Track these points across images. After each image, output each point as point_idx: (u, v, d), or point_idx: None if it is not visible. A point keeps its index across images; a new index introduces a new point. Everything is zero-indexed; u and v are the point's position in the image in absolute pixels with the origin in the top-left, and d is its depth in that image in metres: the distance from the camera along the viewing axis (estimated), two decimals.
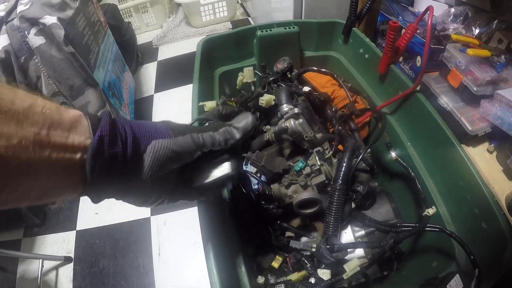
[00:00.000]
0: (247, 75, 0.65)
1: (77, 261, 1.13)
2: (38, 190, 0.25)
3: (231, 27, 2.10)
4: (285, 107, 0.57)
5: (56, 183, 0.27)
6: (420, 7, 1.01)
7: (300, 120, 0.56)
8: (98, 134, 0.27)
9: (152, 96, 1.71)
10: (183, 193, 0.39)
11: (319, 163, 0.59)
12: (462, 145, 0.59)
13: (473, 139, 0.72)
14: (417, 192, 0.61)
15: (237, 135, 0.37)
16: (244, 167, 0.63)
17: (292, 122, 0.56)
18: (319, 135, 0.62)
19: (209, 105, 0.58)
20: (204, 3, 1.99)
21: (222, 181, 0.39)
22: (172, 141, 0.32)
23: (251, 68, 0.69)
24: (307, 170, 0.58)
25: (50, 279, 1.10)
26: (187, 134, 0.34)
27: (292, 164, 0.62)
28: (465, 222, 0.57)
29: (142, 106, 1.65)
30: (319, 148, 0.60)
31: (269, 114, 0.63)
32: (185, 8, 2.09)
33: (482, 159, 0.70)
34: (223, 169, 0.39)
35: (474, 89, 0.69)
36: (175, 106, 1.63)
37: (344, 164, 0.56)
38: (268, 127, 0.60)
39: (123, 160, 0.29)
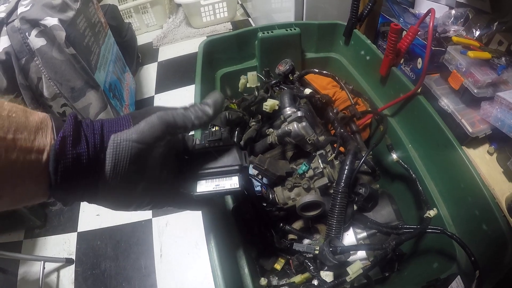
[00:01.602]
0: (251, 80, 0.65)
1: (79, 262, 1.13)
2: (6, 196, 0.25)
3: (232, 27, 2.11)
4: (288, 111, 0.58)
5: (25, 188, 0.26)
6: (420, 8, 1.01)
7: (303, 124, 0.56)
8: (60, 134, 0.26)
9: (152, 97, 1.71)
10: (176, 199, 0.37)
11: (322, 166, 0.59)
12: (463, 147, 0.60)
13: (474, 141, 0.72)
14: (418, 193, 0.61)
15: (210, 111, 0.34)
16: None
17: (295, 125, 0.56)
18: (321, 138, 0.62)
19: None
20: (204, 3, 1.99)
21: (226, 193, 0.37)
22: (131, 131, 0.29)
23: (255, 73, 0.69)
24: (310, 173, 0.58)
25: (52, 281, 1.10)
26: (152, 114, 0.31)
27: (295, 167, 0.62)
28: (466, 224, 0.57)
29: (143, 107, 1.63)
30: (322, 151, 0.60)
31: (271, 117, 0.64)
32: (185, 9, 2.09)
33: (483, 161, 0.70)
34: (233, 182, 0.36)
35: (475, 91, 0.70)
36: None
37: (347, 167, 0.56)
38: (271, 130, 0.60)
39: (87, 159, 0.27)
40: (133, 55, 1.84)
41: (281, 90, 0.67)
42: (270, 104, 0.59)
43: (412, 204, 0.69)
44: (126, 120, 0.30)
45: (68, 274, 1.11)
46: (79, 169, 0.27)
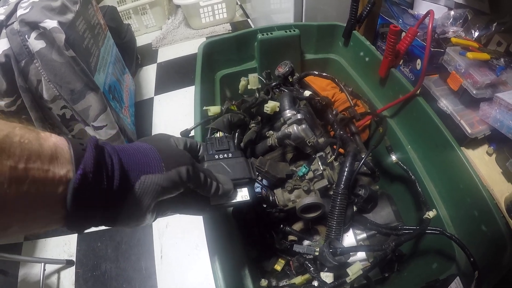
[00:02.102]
0: (252, 81, 0.66)
1: (79, 264, 1.13)
2: (15, 226, 0.23)
3: (231, 28, 2.11)
4: (288, 113, 0.58)
5: (36, 218, 0.24)
6: (419, 9, 1.01)
7: (303, 126, 0.57)
8: (80, 170, 0.25)
9: (152, 99, 1.71)
10: (192, 208, 0.38)
11: (321, 168, 0.59)
12: (462, 147, 0.60)
13: (473, 142, 0.73)
14: (418, 194, 0.62)
15: (227, 197, 0.38)
16: None
17: (295, 128, 0.57)
18: (321, 140, 0.63)
19: (213, 110, 0.58)
20: (203, 5, 1.99)
21: (237, 205, 0.39)
22: (163, 178, 0.30)
23: (256, 75, 0.70)
24: (310, 174, 0.59)
25: (52, 283, 1.10)
26: (184, 167, 0.32)
27: (295, 169, 0.62)
28: (465, 225, 0.57)
29: (142, 108, 1.65)
30: (322, 153, 0.60)
31: (272, 119, 0.64)
32: (184, 10, 2.09)
33: (482, 162, 0.70)
34: (243, 194, 0.38)
35: (474, 92, 0.70)
36: (175, 109, 1.64)
37: (346, 169, 0.57)
38: (271, 132, 0.61)
39: (108, 195, 0.27)
40: (133, 56, 1.84)
41: (281, 92, 0.68)
42: (271, 106, 0.60)
43: (411, 205, 0.69)
44: (157, 161, 0.30)
45: (68, 276, 1.11)
46: (100, 205, 0.27)
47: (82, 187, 0.25)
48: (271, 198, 0.60)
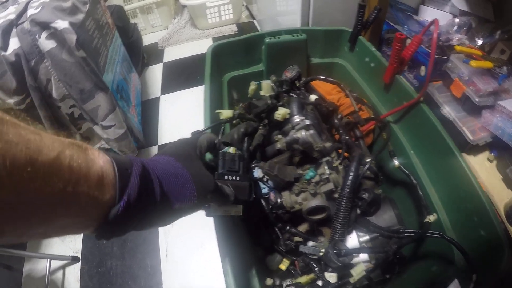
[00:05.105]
0: (265, 89, 0.68)
1: (84, 260, 1.15)
2: (49, 234, 0.25)
3: (237, 29, 2.12)
4: (297, 118, 0.60)
5: (69, 230, 0.26)
6: (424, 16, 1.03)
7: (311, 131, 0.58)
8: (124, 202, 0.26)
9: (158, 98, 1.72)
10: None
11: (328, 172, 0.61)
12: (463, 154, 0.62)
13: (474, 148, 0.74)
14: (419, 198, 0.64)
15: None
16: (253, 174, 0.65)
17: (303, 133, 0.58)
18: (327, 144, 0.64)
19: (225, 114, 0.60)
20: (210, 5, 2.01)
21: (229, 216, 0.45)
22: (194, 205, 0.35)
23: (269, 81, 0.72)
24: (316, 178, 0.60)
25: (57, 278, 1.12)
26: (208, 194, 0.37)
27: (302, 172, 0.64)
28: (465, 229, 0.59)
29: (149, 108, 1.66)
30: (328, 158, 0.62)
31: (279, 123, 0.66)
32: (190, 10, 2.11)
33: (482, 168, 0.72)
34: (237, 210, 0.44)
35: (476, 99, 0.72)
36: (181, 109, 1.65)
37: (352, 173, 0.59)
38: (279, 136, 0.62)
39: (145, 219, 0.30)
40: (139, 55, 1.85)
41: (289, 97, 0.69)
42: (281, 113, 0.61)
43: (412, 208, 0.70)
44: (191, 192, 0.34)
45: (74, 272, 1.13)
46: (134, 225, 0.29)
47: (123, 214, 0.26)
48: (278, 200, 0.62)
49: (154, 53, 2.06)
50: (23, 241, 0.25)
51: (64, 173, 0.22)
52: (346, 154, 0.70)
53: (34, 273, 1.15)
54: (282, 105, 0.66)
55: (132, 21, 2.04)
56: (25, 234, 0.22)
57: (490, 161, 0.74)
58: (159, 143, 1.46)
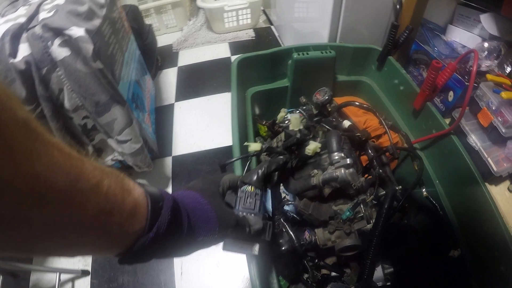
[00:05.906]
0: (294, 123, 0.66)
1: (95, 275, 1.11)
2: (73, 255, 0.25)
3: (254, 35, 2.06)
4: (336, 155, 0.56)
5: (94, 252, 0.27)
6: (452, 36, 1.00)
7: (351, 170, 0.55)
8: (153, 234, 0.27)
9: (172, 105, 1.65)
10: None
11: (363, 211, 0.58)
12: (486, 183, 0.63)
13: (496, 178, 0.73)
14: (443, 229, 0.65)
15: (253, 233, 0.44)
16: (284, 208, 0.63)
17: (342, 172, 0.55)
18: (362, 179, 0.60)
19: (254, 147, 0.57)
20: (228, 9, 1.95)
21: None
22: (215, 238, 0.37)
23: (298, 116, 0.70)
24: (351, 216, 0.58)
25: None
26: (229, 229, 0.39)
27: (335, 207, 0.60)
28: (486, 264, 0.60)
29: (163, 115, 1.60)
30: (365, 196, 0.58)
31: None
32: (207, 13, 2.05)
33: (503, 198, 0.70)
34: (255, 249, 0.44)
35: (503, 130, 0.70)
36: (197, 118, 1.56)
37: (385, 211, 0.57)
38: (315, 171, 0.58)
39: (170, 249, 0.31)
40: (153, 58, 1.79)
41: (321, 127, 0.65)
42: (312, 148, 0.60)
43: (435, 237, 0.70)
44: (215, 227, 0.36)
45: (83, 286, 1.09)
46: (160, 252, 0.30)
47: (150, 244, 0.27)
48: (313, 238, 0.61)
49: (168, 56, 2.01)
50: (44, 257, 0.24)
51: (100, 201, 0.23)
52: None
53: (42, 283, 1.12)
54: (313, 137, 0.62)
55: (146, 21, 1.97)
56: (51, 254, 0.24)
57: (510, 191, 0.72)
58: (173, 154, 1.39)
